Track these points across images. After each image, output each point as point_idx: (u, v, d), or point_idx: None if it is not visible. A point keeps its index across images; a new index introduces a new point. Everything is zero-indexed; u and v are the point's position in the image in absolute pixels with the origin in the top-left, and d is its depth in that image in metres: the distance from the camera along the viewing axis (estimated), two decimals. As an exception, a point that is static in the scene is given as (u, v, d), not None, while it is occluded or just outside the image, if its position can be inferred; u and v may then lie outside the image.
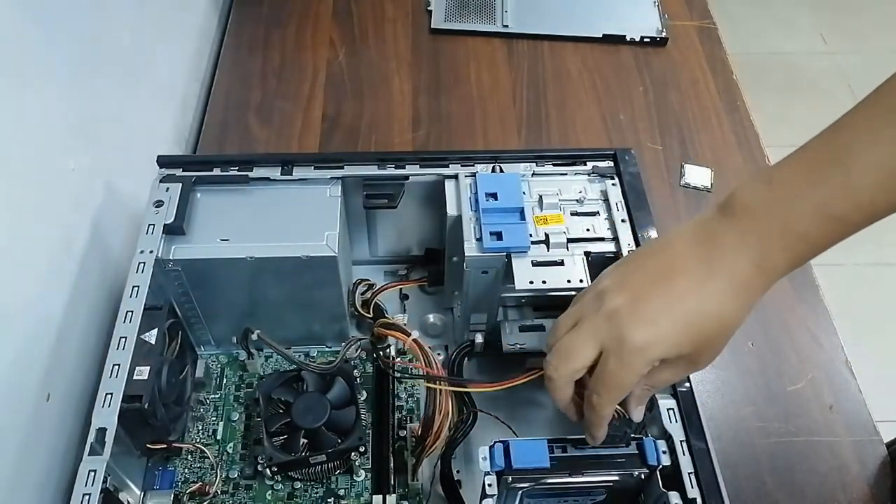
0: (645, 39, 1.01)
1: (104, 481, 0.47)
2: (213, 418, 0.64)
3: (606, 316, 0.45)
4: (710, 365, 0.47)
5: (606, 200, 0.62)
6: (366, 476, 0.60)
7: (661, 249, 0.47)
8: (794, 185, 0.42)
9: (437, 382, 0.56)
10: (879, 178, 0.40)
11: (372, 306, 0.68)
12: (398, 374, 0.63)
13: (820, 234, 0.42)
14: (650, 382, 0.48)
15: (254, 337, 0.61)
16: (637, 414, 0.49)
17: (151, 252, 0.57)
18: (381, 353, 0.62)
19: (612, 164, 0.64)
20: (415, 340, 0.58)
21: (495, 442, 0.47)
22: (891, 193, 0.40)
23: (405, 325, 0.60)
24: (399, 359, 0.66)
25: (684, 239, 0.46)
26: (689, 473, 0.48)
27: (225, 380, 0.66)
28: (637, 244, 0.59)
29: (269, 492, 0.60)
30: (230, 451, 0.62)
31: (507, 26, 1.03)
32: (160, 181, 0.61)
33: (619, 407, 0.48)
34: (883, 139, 0.40)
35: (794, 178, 0.42)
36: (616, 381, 0.45)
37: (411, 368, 0.64)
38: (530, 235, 0.59)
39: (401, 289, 0.73)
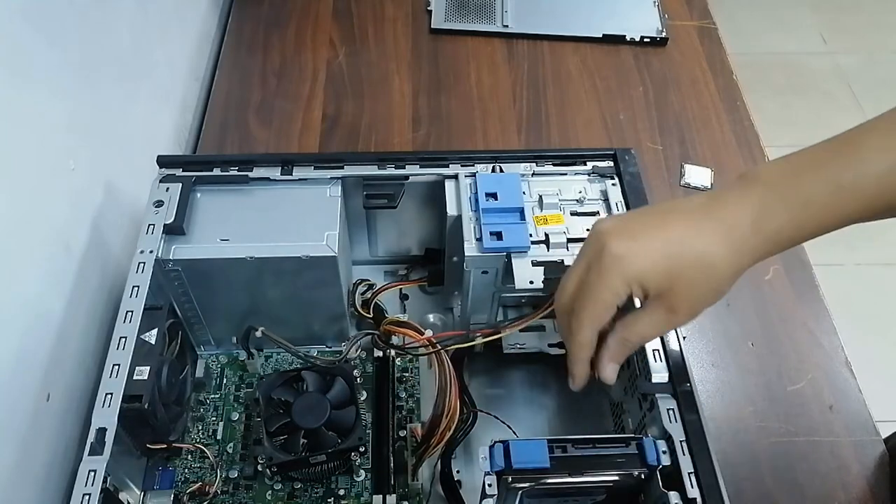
0: (645, 39, 1.01)
1: (104, 481, 0.47)
2: (213, 418, 0.64)
3: (595, 237, 0.46)
4: (687, 322, 0.46)
5: (606, 200, 0.62)
6: (366, 476, 0.60)
7: (670, 201, 0.49)
8: (805, 160, 0.43)
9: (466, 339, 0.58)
10: (889, 161, 0.41)
11: (372, 306, 0.68)
12: (415, 353, 0.63)
13: (826, 200, 0.42)
14: (626, 333, 0.47)
15: (257, 334, 0.60)
16: (608, 371, 0.48)
17: (151, 252, 0.57)
18: (388, 346, 0.62)
19: (612, 164, 0.64)
20: (428, 339, 0.58)
21: (495, 442, 0.47)
22: None
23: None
24: (399, 359, 0.67)
25: (696, 196, 0.47)
26: (689, 473, 0.48)
27: (225, 380, 0.66)
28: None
29: (269, 492, 0.60)
30: (230, 451, 0.62)
31: (507, 26, 1.03)
32: (160, 181, 0.61)
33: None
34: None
35: (809, 155, 0.44)
36: (592, 293, 0.45)
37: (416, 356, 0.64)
38: (530, 235, 0.59)
39: (401, 289, 0.73)
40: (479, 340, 0.59)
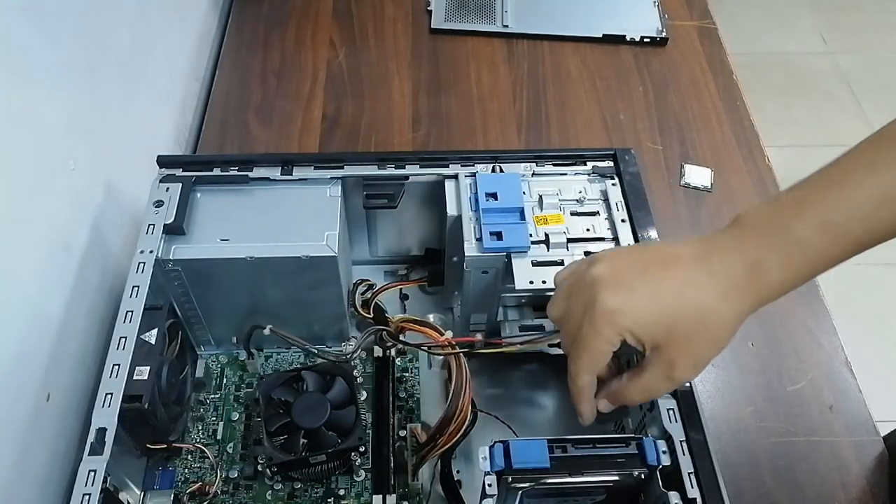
0: (645, 39, 1.01)
1: (104, 481, 0.47)
2: (213, 418, 0.63)
3: (589, 284, 0.45)
4: (691, 378, 0.46)
5: (606, 200, 0.62)
6: (366, 476, 0.60)
7: (661, 245, 0.48)
8: (795, 200, 0.43)
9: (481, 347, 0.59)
10: (879, 192, 0.41)
11: (372, 306, 0.68)
12: (435, 353, 0.63)
13: (817, 242, 0.42)
14: (630, 388, 0.47)
15: (265, 332, 0.60)
16: (601, 405, 0.49)
17: (151, 252, 0.57)
18: (399, 342, 0.63)
19: (612, 164, 0.64)
20: (448, 340, 0.58)
21: (495, 442, 0.47)
22: (891, 211, 0.41)
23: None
24: (399, 359, 0.67)
25: (685, 242, 0.46)
26: (689, 473, 0.48)
27: (225, 380, 0.66)
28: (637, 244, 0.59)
29: (269, 492, 0.60)
30: (230, 451, 0.62)
31: (507, 26, 1.03)
32: (160, 181, 0.61)
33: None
34: (882, 161, 0.41)
35: (796, 195, 0.43)
36: (585, 345, 0.45)
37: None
38: (530, 235, 0.59)
39: (401, 289, 0.73)
40: (509, 348, 0.59)
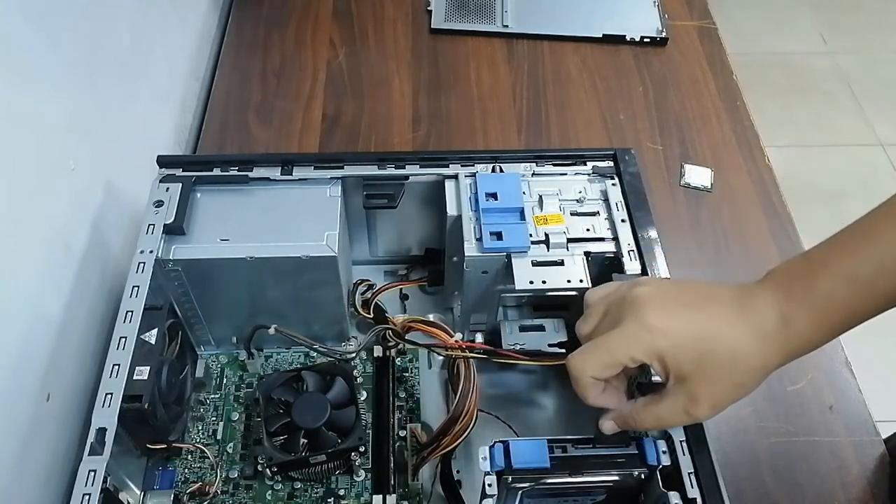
0: (645, 39, 1.01)
1: (104, 481, 0.47)
2: (213, 418, 0.64)
3: (632, 301, 0.46)
4: (708, 417, 0.45)
5: (606, 200, 0.62)
6: (366, 476, 0.60)
7: (702, 282, 0.48)
8: (824, 255, 0.44)
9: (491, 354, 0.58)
10: None
11: (372, 306, 0.68)
12: (443, 354, 0.63)
13: (845, 296, 0.42)
14: (644, 413, 0.47)
15: (270, 331, 0.60)
16: (606, 425, 0.49)
17: (151, 252, 0.57)
18: (404, 341, 0.63)
19: (612, 164, 0.64)
20: (458, 343, 0.58)
21: (495, 442, 0.47)
22: None
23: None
24: (399, 359, 0.67)
25: (725, 285, 0.47)
26: (689, 473, 0.48)
27: (225, 380, 0.66)
28: (637, 244, 0.59)
29: (269, 492, 0.60)
30: (230, 451, 0.62)
31: (507, 26, 1.03)
32: (160, 181, 0.61)
33: None
34: None
35: (825, 249, 0.44)
36: (608, 347, 0.45)
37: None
38: (530, 235, 0.59)
39: (401, 289, 0.73)
40: (523, 361, 0.58)
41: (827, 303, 0.42)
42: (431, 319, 0.63)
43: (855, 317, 0.43)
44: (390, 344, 0.64)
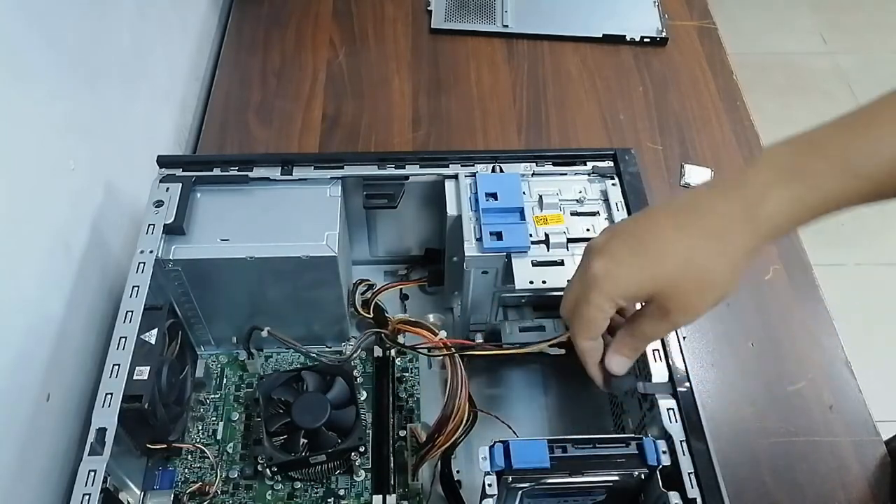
0: (645, 39, 1.01)
1: (104, 481, 0.47)
2: (213, 418, 0.64)
3: (585, 253, 0.46)
4: (692, 320, 0.45)
5: (606, 200, 0.62)
6: (366, 476, 0.60)
7: (655, 207, 0.47)
8: (814, 140, 0.41)
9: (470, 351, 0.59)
10: None
11: (372, 306, 0.68)
12: (429, 354, 0.63)
13: (831, 183, 0.40)
14: (631, 331, 0.48)
15: (263, 334, 0.61)
16: (614, 363, 0.49)
17: (151, 252, 0.57)
18: (396, 344, 0.63)
19: (612, 164, 0.64)
20: (443, 341, 0.58)
21: (495, 442, 0.47)
22: None
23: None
24: (399, 359, 0.67)
25: (677, 198, 0.46)
26: (689, 473, 0.48)
27: (225, 380, 0.66)
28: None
29: (269, 492, 0.60)
30: (230, 451, 0.62)
31: (507, 26, 1.03)
32: (160, 181, 0.61)
33: None
34: None
35: (815, 136, 0.41)
36: (581, 311, 0.46)
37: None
38: (530, 235, 0.59)
39: (401, 289, 0.73)
40: (512, 351, 0.59)
41: (812, 187, 0.40)
42: (416, 319, 0.63)
43: (834, 205, 0.41)
44: (387, 345, 0.65)
